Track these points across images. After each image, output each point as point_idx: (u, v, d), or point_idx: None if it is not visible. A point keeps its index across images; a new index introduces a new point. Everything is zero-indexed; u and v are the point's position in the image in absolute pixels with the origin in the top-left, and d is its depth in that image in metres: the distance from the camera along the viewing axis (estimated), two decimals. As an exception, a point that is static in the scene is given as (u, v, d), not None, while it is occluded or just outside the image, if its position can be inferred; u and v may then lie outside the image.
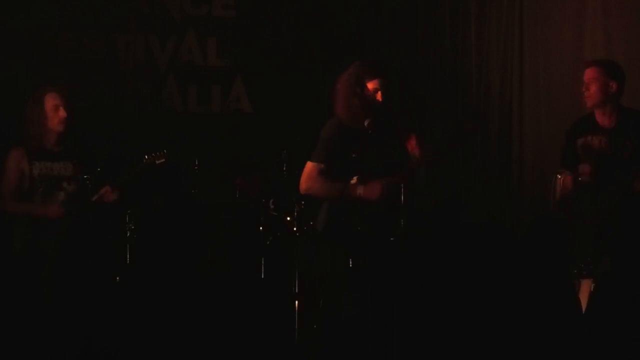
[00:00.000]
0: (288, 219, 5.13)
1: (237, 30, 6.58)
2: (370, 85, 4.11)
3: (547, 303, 4.40)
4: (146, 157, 4.80)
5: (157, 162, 4.81)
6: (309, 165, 4.16)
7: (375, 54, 6.44)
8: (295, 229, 4.81)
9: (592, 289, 4.29)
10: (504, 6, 6.36)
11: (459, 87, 6.50)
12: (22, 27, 6.01)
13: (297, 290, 4.54)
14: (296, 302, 4.50)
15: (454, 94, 6.47)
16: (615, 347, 4.04)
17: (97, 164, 4.70)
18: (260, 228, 5.45)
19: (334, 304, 4.10)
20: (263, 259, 5.33)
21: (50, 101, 4.57)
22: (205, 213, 5.69)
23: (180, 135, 6.16)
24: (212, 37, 6.56)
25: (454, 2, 6.53)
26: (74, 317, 4.40)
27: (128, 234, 5.16)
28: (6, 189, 4.58)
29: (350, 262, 4.06)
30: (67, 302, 4.35)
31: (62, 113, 4.56)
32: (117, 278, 5.09)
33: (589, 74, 4.51)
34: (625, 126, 4.47)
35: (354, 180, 4.09)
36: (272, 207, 5.48)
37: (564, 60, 6.07)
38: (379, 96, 4.10)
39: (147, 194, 5.58)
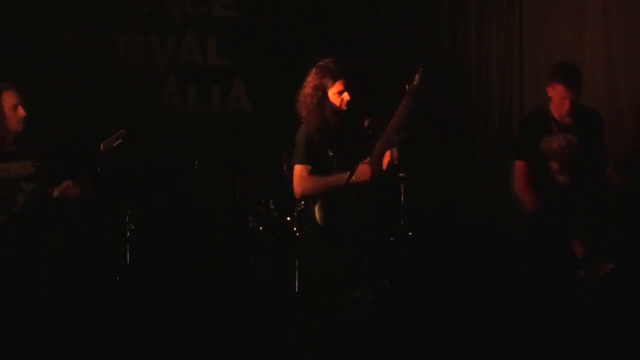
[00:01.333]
0: (288, 219, 5.14)
1: (237, 30, 6.58)
2: (335, 89, 4.13)
3: (548, 302, 4.40)
4: (102, 144, 4.53)
5: (115, 144, 4.53)
6: (297, 168, 4.19)
7: (375, 54, 6.45)
8: (295, 229, 4.81)
9: (592, 288, 4.29)
10: (504, 6, 6.36)
11: (459, 87, 6.50)
12: (22, 27, 6.01)
13: (297, 290, 4.54)
14: (296, 302, 4.50)
15: (454, 94, 6.47)
16: (615, 346, 4.04)
17: (95, 163, 4.61)
18: (260, 228, 5.46)
19: (334, 304, 4.10)
20: (263, 259, 5.33)
21: (8, 100, 4.40)
22: (205, 213, 5.69)
23: (180, 135, 6.17)
24: (212, 37, 6.57)
25: (454, 2, 6.53)
26: (74, 317, 4.39)
27: (128, 234, 5.17)
28: None
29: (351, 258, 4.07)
30: (67, 302, 4.33)
31: (21, 112, 4.39)
32: (117, 278, 5.09)
33: (561, 93, 4.51)
34: (584, 123, 4.53)
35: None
36: (272, 207, 5.48)
37: (564, 60, 6.06)
38: (346, 95, 4.11)
39: (147, 194, 5.58)
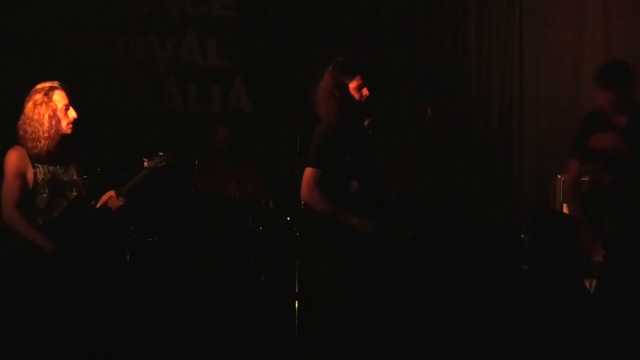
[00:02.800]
0: (288, 219, 5.14)
1: (237, 30, 6.58)
2: (354, 84, 4.08)
3: (550, 302, 4.40)
4: (145, 161, 4.35)
5: (159, 165, 4.37)
6: (307, 171, 4.10)
7: (375, 54, 6.45)
8: (295, 229, 4.81)
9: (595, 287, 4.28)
10: (504, 6, 6.37)
11: (459, 87, 6.50)
12: (22, 27, 6.01)
13: (297, 290, 4.54)
14: (296, 302, 4.50)
15: (454, 94, 6.47)
16: (616, 345, 4.03)
17: (97, 165, 4.56)
18: (260, 228, 5.46)
19: (334, 304, 4.10)
20: (263, 259, 5.33)
21: (61, 100, 4.14)
22: (205, 213, 5.69)
23: (180, 135, 6.16)
24: (212, 37, 6.57)
25: (454, 2, 6.53)
26: (74, 317, 4.37)
27: (128, 234, 5.17)
28: (7, 197, 4.02)
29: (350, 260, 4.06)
30: (67, 302, 4.31)
31: (73, 114, 4.15)
32: (117, 278, 5.09)
33: (599, 95, 4.43)
34: (636, 121, 4.42)
35: (354, 185, 4.08)
36: (272, 207, 5.48)
37: (564, 60, 6.08)
38: (365, 91, 4.08)
39: (147, 194, 5.57)
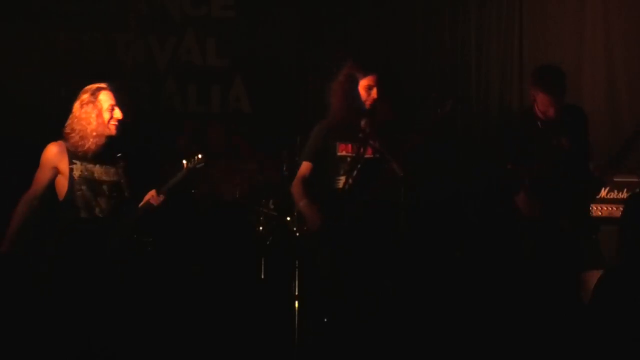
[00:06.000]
0: (288, 219, 5.14)
1: (236, 31, 6.58)
2: (365, 82, 4.11)
3: (549, 302, 4.40)
4: (185, 162, 4.43)
5: (197, 166, 4.46)
6: (302, 164, 4.22)
7: (375, 54, 6.44)
8: (295, 229, 4.81)
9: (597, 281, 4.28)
10: (504, 6, 6.36)
11: (459, 87, 6.49)
12: (22, 27, 6.01)
13: (297, 291, 4.54)
14: (296, 302, 4.50)
15: (454, 94, 6.46)
16: (617, 342, 4.03)
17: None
18: (260, 228, 5.45)
19: (334, 304, 4.10)
20: (263, 259, 5.33)
21: (107, 101, 4.27)
22: (205, 213, 5.69)
23: (180, 135, 6.16)
24: (211, 37, 6.56)
25: (454, 2, 6.53)
26: (74, 317, 4.37)
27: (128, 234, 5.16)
28: (36, 187, 4.23)
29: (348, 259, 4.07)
30: (67, 302, 4.31)
31: (118, 114, 4.26)
32: (117, 278, 5.08)
33: (546, 101, 4.50)
34: (570, 122, 4.51)
35: (342, 179, 4.10)
36: (272, 207, 5.48)
37: (564, 60, 6.07)
38: (374, 93, 4.10)
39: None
